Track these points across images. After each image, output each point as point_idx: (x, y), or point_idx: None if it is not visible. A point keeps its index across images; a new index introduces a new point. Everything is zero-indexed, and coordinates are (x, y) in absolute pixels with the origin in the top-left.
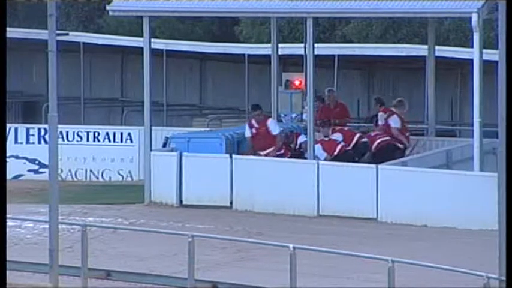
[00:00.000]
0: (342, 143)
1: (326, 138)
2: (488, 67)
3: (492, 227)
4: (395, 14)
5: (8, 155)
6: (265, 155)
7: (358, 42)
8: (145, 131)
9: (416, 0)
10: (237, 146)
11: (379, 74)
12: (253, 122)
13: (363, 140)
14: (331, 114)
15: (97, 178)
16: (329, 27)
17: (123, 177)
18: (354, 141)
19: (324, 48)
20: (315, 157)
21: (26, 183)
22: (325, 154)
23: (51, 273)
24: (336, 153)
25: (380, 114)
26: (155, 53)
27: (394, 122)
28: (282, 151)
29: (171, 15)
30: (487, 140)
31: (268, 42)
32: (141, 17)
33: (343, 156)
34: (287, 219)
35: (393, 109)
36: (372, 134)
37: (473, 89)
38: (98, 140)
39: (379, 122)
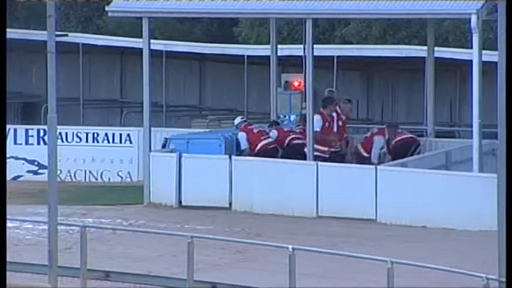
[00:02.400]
0: (269, 140)
1: (255, 130)
2: (488, 68)
3: (491, 228)
4: (395, 15)
5: (7, 156)
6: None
7: (358, 43)
8: (145, 132)
9: (416, 1)
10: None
11: (378, 75)
12: None
13: (296, 142)
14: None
15: (96, 179)
16: (328, 28)
17: (122, 178)
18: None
19: (323, 49)
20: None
21: (25, 184)
22: (247, 145)
23: (50, 274)
24: (257, 149)
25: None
26: (154, 54)
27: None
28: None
29: (170, 16)
30: (486, 141)
31: (268, 43)
32: (141, 18)
33: (264, 154)
34: (286, 220)
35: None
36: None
37: (473, 90)
38: (97, 141)
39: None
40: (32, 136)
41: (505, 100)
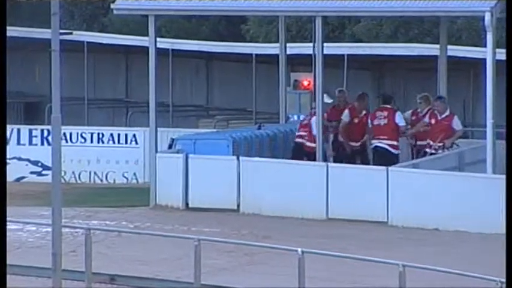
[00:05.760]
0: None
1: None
2: (501, 67)
3: (505, 231)
4: (407, 13)
5: (10, 156)
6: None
7: (368, 41)
8: (151, 132)
9: None
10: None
11: (389, 74)
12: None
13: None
14: (340, 115)
15: (101, 180)
16: (338, 26)
17: (127, 180)
18: None
19: (333, 48)
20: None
21: (28, 185)
22: None
23: (54, 278)
24: None
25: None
26: (161, 52)
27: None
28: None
29: (176, 14)
30: (500, 142)
31: (276, 41)
32: (146, 15)
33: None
34: (295, 223)
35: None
36: None
37: (486, 89)
38: (102, 142)
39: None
40: (36, 136)
41: (506, 99)
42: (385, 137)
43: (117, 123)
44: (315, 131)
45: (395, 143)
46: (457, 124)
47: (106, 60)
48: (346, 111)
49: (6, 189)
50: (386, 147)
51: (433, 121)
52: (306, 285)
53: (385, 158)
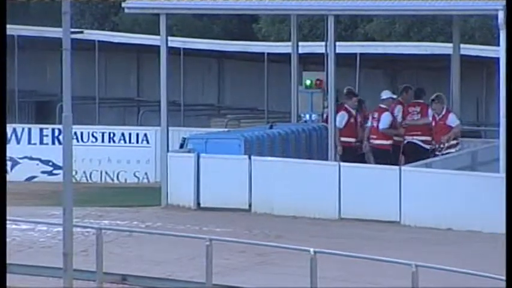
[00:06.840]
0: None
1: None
2: None
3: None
4: (419, 12)
5: (21, 156)
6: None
7: (381, 40)
8: (162, 132)
9: None
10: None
11: (402, 73)
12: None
13: None
14: None
15: (112, 180)
16: (351, 25)
17: (139, 179)
18: None
19: (345, 47)
20: None
21: (39, 185)
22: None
23: (65, 278)
24: None
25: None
26: (172, 51)
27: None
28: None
29: (188, 12)
30: None
31: (288, 40)
32: (158, 14)
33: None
34: (307, 222)
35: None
36: None
37: (500, 88)
38: (114, 141)
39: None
40: (47, 136)
41: (506, 99)
42: (419, 133)
43: (129, 122)
44: (381, 126)
45: (428, 138)
46: (452, 121)
47: (117, 59)
48: (399, 106)
49: (6, 189)
50: (419, 143)
51: (433, 123)
52: (318, 285)
53: (418, 154)
